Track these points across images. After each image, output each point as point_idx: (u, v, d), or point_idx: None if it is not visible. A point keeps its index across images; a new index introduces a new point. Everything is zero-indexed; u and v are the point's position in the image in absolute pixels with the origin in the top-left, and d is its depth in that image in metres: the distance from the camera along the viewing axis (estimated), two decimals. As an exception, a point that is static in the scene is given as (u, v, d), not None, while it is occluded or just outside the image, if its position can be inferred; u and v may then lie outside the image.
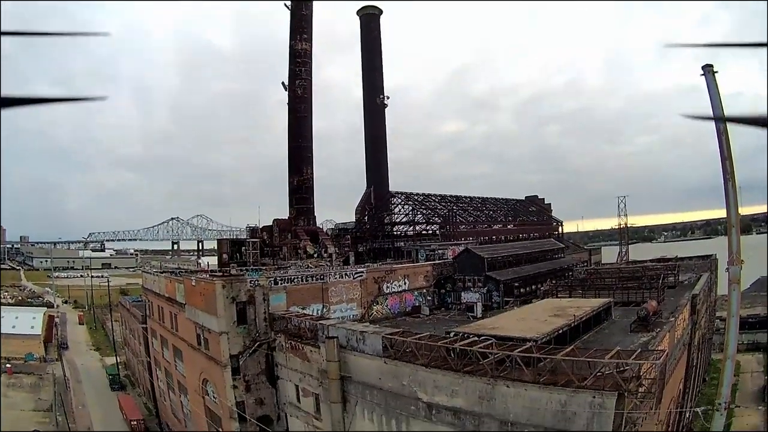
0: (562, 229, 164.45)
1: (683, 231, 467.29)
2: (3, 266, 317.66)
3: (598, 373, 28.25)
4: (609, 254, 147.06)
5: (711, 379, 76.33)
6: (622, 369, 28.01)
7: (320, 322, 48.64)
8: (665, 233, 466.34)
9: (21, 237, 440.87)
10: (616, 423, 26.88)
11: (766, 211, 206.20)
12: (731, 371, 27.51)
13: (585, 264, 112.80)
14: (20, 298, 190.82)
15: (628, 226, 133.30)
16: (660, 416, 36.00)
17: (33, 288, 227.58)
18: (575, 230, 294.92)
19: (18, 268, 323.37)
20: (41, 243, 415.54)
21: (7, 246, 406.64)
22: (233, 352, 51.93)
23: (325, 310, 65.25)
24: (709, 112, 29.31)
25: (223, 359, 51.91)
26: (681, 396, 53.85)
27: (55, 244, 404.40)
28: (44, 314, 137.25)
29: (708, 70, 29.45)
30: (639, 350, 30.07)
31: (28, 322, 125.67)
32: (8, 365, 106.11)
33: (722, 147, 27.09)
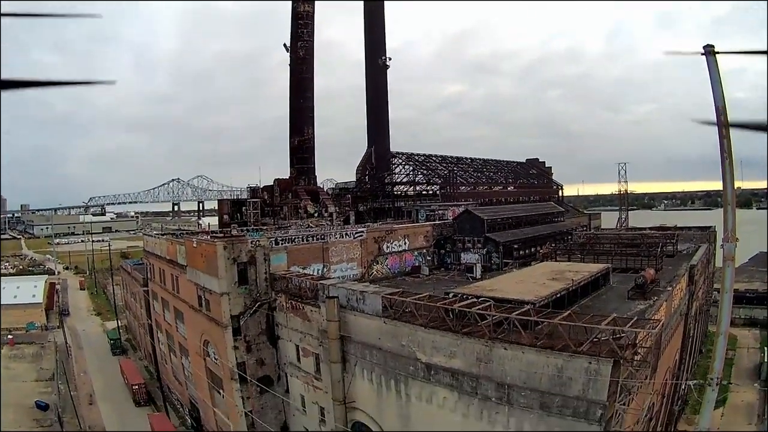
0: (562, 192, 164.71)
1: (683, 200, 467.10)
2: (4, 236, 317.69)
3: (595, 339, 28.58)
4: (609, 219, 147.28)
5: (707, 351, 76.98)
6: (618, 336, 28.28)
7: (320, 282, 48.81)
8: (665, 201, 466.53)
9: (21, 206, 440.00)
10: (611, 390, 27.28)
11: (766, 187, 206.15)
12: (723, 347, 27.72)
13: (584, 228, 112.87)
14: (21, 267, 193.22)
15: (629, 192, 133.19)
16: (655, 386, 36.54)
17: (34, 256, 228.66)
18: (575, 194, 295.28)
19: (19, 237, 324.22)
20: (42, 210, 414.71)
21: (8, 216, 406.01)
22: (234, 313, 52.27)
23: (325, 269, 65.70)
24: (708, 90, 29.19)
25: (224, 320, 52.28)
26: (677, 366, 54.38)
27: (55, 210, 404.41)
28: (45, 282, 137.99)
29: (709, 51, 29.10)
30: (635, 318, 30.25)
31: (29, 291, 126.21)
32: (10, 336, 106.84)
33: (720, 126, 27.01)
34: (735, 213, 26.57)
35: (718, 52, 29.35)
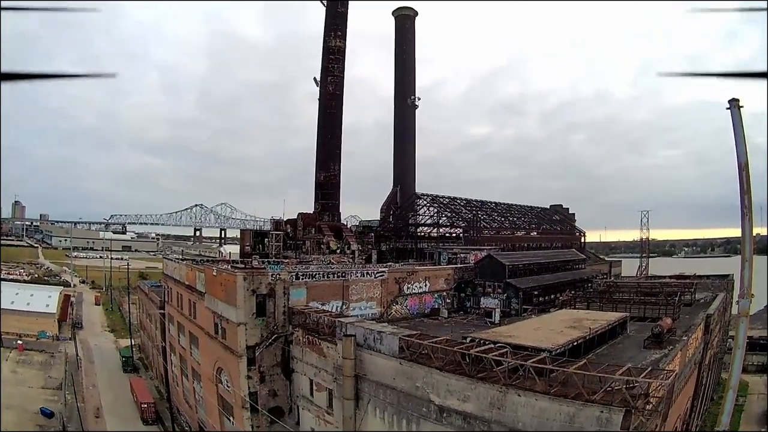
0: (584, 239, 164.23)
1: (703, 247, 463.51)
2: (21, 243, 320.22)
3: (608, 388, 28.56)
4: (629, 267, 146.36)
5: (719, 398, 76.25)
6: (631, 386, 28.32)
7: (339, 319, 48.98)
8: (685, 249, 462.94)
9: (41, 215, 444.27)
10: (621, 439, 27.25)
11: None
12: (732, 401, 27.77)
13: (605, 276, 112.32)
14: (37, 275, 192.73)
15: (650, 240, 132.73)
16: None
17: (50, 266, 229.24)
18: (597, 240, 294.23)
19: (36, 245, 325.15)
20: (61, 222, 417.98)
21: (26, 223, 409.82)
22: (250, 343, 52.68)
23: (344, 307, 65.73)
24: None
25: (240, 349, 52.65)
26: (688, 414, 53.87)
27: (75, 224, 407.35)
28: (60, 293, 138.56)
29: (734, 105, 29.24)
30: (649, 368, 30.23)
31: (44, 300, 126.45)
32: (20, 342, 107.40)
33: (742, 181, 27.29)
34: (752, 270, 26.69)
35: (741, 106, 29.57)
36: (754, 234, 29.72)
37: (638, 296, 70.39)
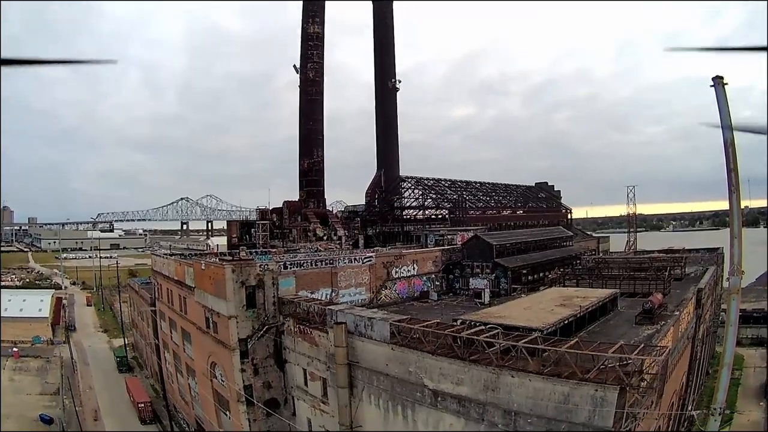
0: (571, 216, 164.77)
1: (692, 221, 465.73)
2: (11, 249, 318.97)
3: (602, 366, 28.56)
4: (617, 242, 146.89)
5: (714, 372, 76.61)
6: (624, 363, 28.29)
7: (329, 307, 48.77)
8: (674, 222, 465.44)
9: (29, 218, 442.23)
10: (617, 417, 27.19)
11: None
12: (727, 378, 27.65)
13: (593, 252, 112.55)
14: (28, 280, 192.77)
15: (637, 214, 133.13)
16: (661, 410, 36.38)
17: (41, 270, 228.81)
18: (584, 216, 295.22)
19: (26, 250, 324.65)
20: (49, 224, 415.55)
21: (15, 228, 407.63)
22: (242, 336, 52.30)
23: (333, 294, 65.72)
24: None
25: (232, 343, 52.33)
26: (684, 389, 54.06)
27: (63, 225, 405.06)
28: (52, 296, 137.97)
29: (718, 82, 28.98)
30: (642, 345, 30.20)
31: (36, 304, 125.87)
32: (15, 349, 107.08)
33: (728, 159, 27.09)
34: (741, 246, 26.58)
35: (726, 83, 29.31)
36: (741, 207, 29.58)
37: (628, 272, 70.48)
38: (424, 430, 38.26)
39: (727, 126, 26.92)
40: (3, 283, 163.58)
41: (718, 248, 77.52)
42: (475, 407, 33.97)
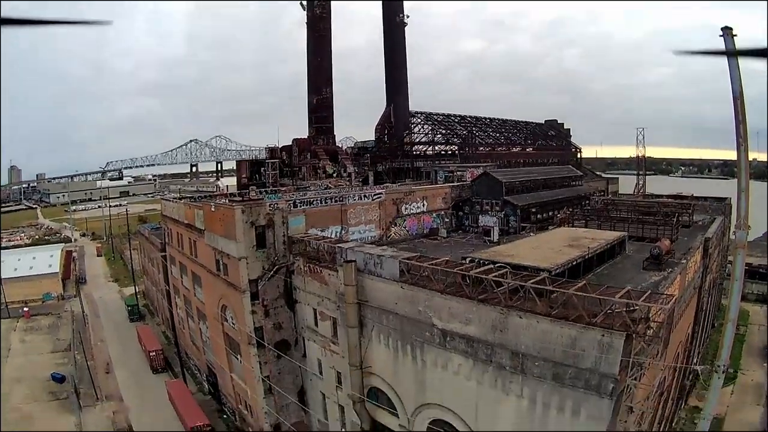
0: (581, 155, 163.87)
1: (700, 168, 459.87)
2: (19, 207, 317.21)
3: (608, 311, 28.80)
4: (626, 184, 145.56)
5: (719, 325, 76.98)
6: (631, 309, 28.43)
7: (338, 245, 49.01)
8: (682, 168, 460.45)
9: (38, 175, 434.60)
10: (622, 364, 27.68)
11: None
12: (731, 335, 27.87)
13: (602, 193, 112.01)
14: (37, 237, 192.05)
15: (646, 157, 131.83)
16: (666, 360, 36.84)
17: (50, 225, 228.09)
18: (594, 156, 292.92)
19: (35, 206, 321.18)
20: (58, 178, 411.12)
21: (24, 186, 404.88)
22: (252, 277, 52.50)
23: (343, 231, 65.86)
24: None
25: (242, 284, 52.59)
26: (689, 340, 54.36)
27: (72, 177, 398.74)
28: (62, 250, 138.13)
29: (727, 33, 28.36)
30: (649, 291, 30.12)
31: (46, 260, 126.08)
32: (26, 309, 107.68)
33: (737, 111, 26.85)
34: (748, 201, 26.57)
35: (735, 35, 28.66)
36: (750, 159, 29.38)
37: (636, 215, 70.07)
38: (433, 370, 39.02)
39: (736, 79, 26.59)
40: (12, 243, 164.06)
41: (726, 198, 76.70)
42: (483, 348, 34.57)
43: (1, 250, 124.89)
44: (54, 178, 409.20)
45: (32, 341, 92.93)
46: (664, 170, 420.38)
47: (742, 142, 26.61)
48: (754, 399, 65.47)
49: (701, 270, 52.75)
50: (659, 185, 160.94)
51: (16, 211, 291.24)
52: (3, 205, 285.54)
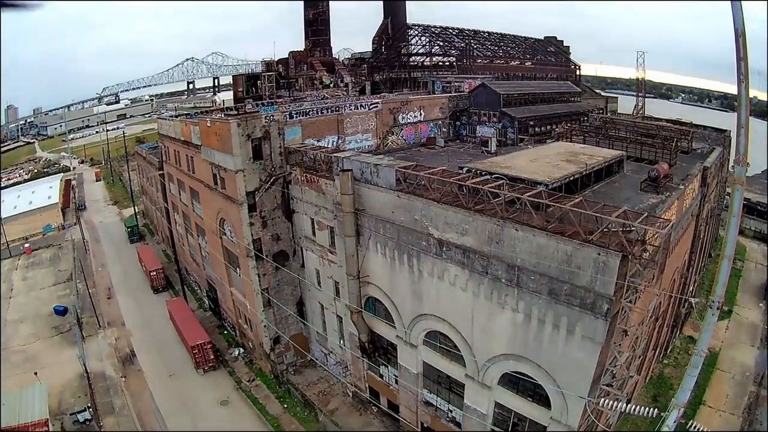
0: (580, 72, 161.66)
1: (700, 97, 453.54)
2: (18, 144, 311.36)
3: (605, 230, 28.76)
4: (626, 104, 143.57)
5: (716, 256, 77.27)
6: (628, 230, 28.37)
7: (335, 154, 48.64)
8: (682, 95, 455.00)
9: (34, 110, 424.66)
10: (618, 285, 27.77)
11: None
12: (727, 271, 27.63)
13: (601, 111, 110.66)
14: (36, 171, 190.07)
15: (646, 80, 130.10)
16: (662, 285, 37.04)
17: (48, 156, 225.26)
18: (593, 74, 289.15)
19: (32, 141, 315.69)
20: (55, 110, 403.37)
21: (21, 123, 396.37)
22: (249, 189, 52.56)
23: (340, 141, 65.46)
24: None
25: (240, 197, 52.64)
26: (686, 267, 54.73)
27: (68, 107, 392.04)
28: (61, 180, 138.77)
29: None
30: (646, 214, 29.79)
31: (45, 192, 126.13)
32: (26, 245, 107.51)
33: (738, 49, 26.08)
34: (748, 137, 26.11)
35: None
36: (751, 97, 28.78)
37: (635, 136, 69.25)
38: (430, 280, 39.39)
39: (738, 16, 25.80)
40: (11, 181, 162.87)
41: (725, 130, 75.56)
42: (479, 259, 34.80)
43: (1, 191, 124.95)
44: (51, 110, 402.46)
45: (34, 277, 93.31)
46: (664, 95, 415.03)
47: (743, 79, 26.00)
48: (748, 338, 66.47)
49: (699, 198, 52.51)
50: (659, 109, 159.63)
51: (14, 149, 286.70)
52: (2, 145, 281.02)
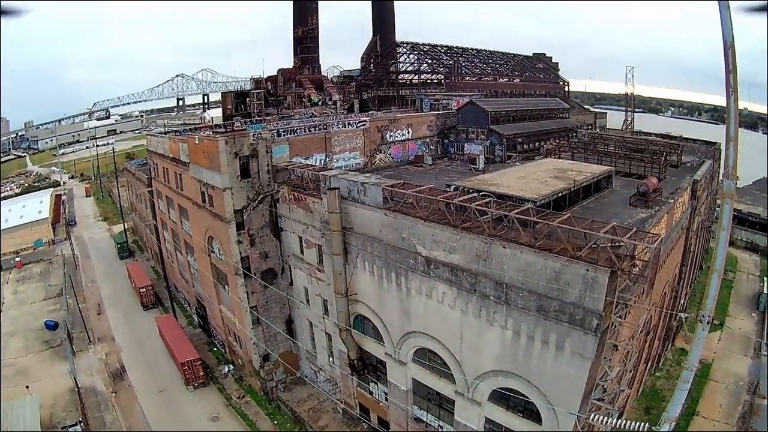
0: (569, 88, 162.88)
1: (690, 110, 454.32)
2: (9, 157, 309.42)
3: (593, 245, 28.72)
4: (615, 120, 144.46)
5: (707, 268, 77.43)
6: (617, 245, 28.39)
7: (322, 173, 48.42)
8: (672, 108, 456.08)
9: (25, 123, 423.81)
10: (607, 300, 27.68)
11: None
12: (717, 285, 27.61)
13: (589, 127, 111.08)
14: (27, 185, 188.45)
15: (635, 95, 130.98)
16: (652, 299, 37.03)
17: (39, 171, 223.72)
18: (583, 90, 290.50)
19: (23, 155, 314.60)
20: (46, 124, 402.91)
21: (12, 136, 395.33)
22: (237, 207, 52.48)
23: (328, 159, 65.60)
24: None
25: (228, 215, 52.54)
26: (677, 280, 54.70)
27: (59, 121, 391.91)
28: (51, 195, 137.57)
29: None
30: (635, 229, 29.74)
31: (35, 207, 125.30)
32: (17, 259, 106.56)
33: (727, 61, 26.22)
34: (737, 150, 26.20)
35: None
36: (741, 108, 28.82)
37: (624, 151, 68.96)
38: (418, 297, 39.29)
39: (727, 27, 25.95)
40: (2, 195, 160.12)
41: (715, 143, 75.72)
42: (467, 277, 34.72)
43: (1, 201, 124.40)
44: (42, 124, 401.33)
45: (25, 291, 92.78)
46: (654, 109, 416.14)
47: (732, 91, 26.10)
48: (741, 348, 66.54)
49: (689, 211, 52.57)
50: (648, 123, 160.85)
51: (5, 162, 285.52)
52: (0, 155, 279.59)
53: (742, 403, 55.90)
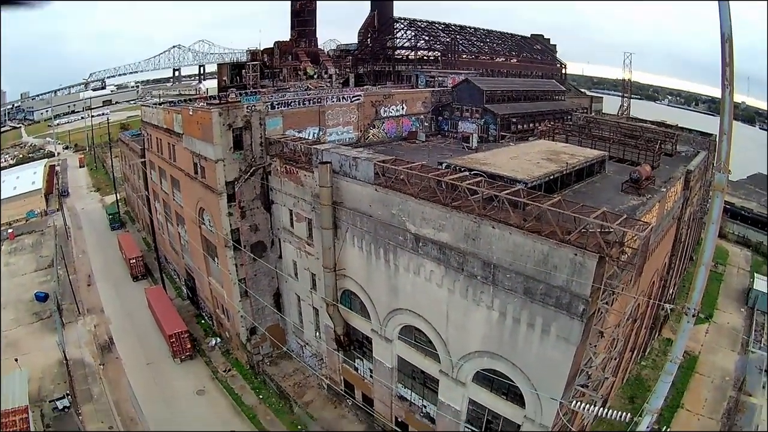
0: (566, 71, 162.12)
1: (687, 100, 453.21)
2: (4, 129, 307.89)
3: (583, 230, 28.61)
4: (611, 104, 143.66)
5: (697, 259, 77.56)
6: (606, 231, 28.31)
7: (314, 146, 48.36)
8: (669, 97, 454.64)
9: (21, 94, 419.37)
10: (594, 287, 27.69)
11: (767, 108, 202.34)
12: (704, 278, 27.39)
13: (585, 110, 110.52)
14: (21, 156, 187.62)
15: (632, 81, 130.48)
16: (640, 287, 37.00)
17: (34, 142, 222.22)
18: (580, 73, 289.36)
19: (18, 126, 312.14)
20: (41, 94, 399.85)
21: (8, 108, 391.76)
22: (229, 179, 52.28)
23: (321, 133, 65.23)
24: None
25: (219, 187, 52.33)
26: (666, 269, 54.80)
27: (55, 92, 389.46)
28: (45, 166, 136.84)
29: None
30: (625, 216, 29.61)
31: (29, 178, 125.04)
32: (10, 230, 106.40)
33: (724, 54, 25.80)
34: (731, 144, 25.91)
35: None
36: (739, 102, 28.72)
37: (618, 136, 68.92)
38: (406, 275, 39.29)
39: (725, 20, 25.54)
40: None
41: (711, 134, 75.22)
42: (455, 256, 34.68)
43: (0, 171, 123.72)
44: (37, 95, 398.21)
45: (16, 263, 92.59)
46: (651, 96, 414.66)
47: (727, 84, 25.75)
48: (728, 342, 66.77)
49: (681, 201, 52.46)
50: (644, 110, 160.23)
51: (1, 133, 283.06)
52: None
53: (727, 398, 56.22)
